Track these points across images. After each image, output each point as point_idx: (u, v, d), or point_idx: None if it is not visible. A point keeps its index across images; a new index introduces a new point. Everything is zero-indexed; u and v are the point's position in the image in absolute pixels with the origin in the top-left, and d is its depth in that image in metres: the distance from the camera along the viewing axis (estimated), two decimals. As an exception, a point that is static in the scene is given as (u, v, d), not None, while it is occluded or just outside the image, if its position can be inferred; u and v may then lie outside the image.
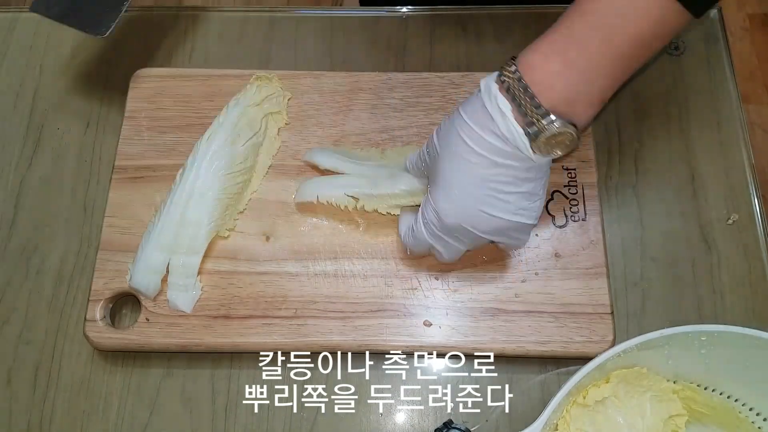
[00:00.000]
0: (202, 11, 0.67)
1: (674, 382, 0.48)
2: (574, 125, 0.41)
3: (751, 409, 0.47)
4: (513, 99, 0.41)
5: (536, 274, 0.53)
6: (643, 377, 0.47)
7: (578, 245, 0.53)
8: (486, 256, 0.53)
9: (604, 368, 0.46)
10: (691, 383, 0.48)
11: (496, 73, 0.42)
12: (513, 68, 0.41)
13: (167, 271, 0.52)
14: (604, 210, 0.55)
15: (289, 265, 0.53)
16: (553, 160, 0.45)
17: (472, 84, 0.59)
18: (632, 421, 0.47)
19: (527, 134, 0.41)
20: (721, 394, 0.48)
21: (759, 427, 0.47)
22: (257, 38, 0.65)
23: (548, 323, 0.51)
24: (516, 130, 0.41)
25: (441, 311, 0.52)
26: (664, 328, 0.44)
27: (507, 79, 0.41)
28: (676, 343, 0.45)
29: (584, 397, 0.47)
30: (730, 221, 0.56)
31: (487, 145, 0.42)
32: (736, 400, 0.47)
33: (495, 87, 0.42)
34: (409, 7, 0.66)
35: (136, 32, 0.65)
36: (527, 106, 0.40)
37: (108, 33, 0.52)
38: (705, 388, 0.48)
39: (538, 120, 0.40)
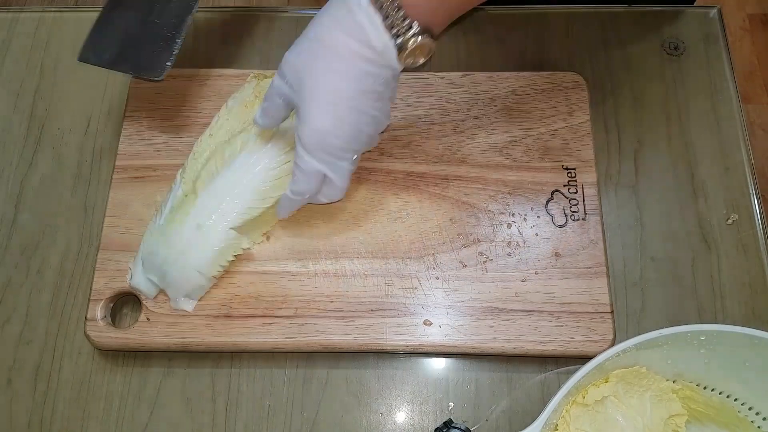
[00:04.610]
0: (202, 11, 0.67)
1: (674, 382, 0.48)
2: (431, 36, 0.44)
3: (750, 409, 0.47)
4: (381, 10, 0.42)
5: (536, 273, 0.53)
6: (643, 377, 0.47)
7: (578, 245, 0.53)
8: (486, 255, 0.53)
9: (604, 368, 0.46)
10: (691, 383, 0.48)
11: None
12: None
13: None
14: (604, 210, 0.55)
15: (289, 264, 0.53)
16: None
17: (471, 84, 0.59)
18: (632, 420, 0.47)
19: (395, 46, 0.43)
20: (720, 393, 0.48)
21: (759, 427, 0.47)
22: (257, 38, 0.65)
23: (548, 322, 0.51)
24: (387, 42, 0.43)
25: (441, 310, 0.52)
26: (663, 327, 0.44)
27: None
28: (676, 343, 0.45)
29: (584, 397, 0.47)
30: (730, 221, 0.56)
31: (358, 51, 0.43)
32: (735, 400, 0.48)
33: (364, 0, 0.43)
34: (409, 7, 0.66)
35: (137, 32, 0.65)
36: (395, 19, 0.42)
37: (163, 75, 0.51)
38: (705, 388, 0.48)
39: (404, 32, 0.43)
